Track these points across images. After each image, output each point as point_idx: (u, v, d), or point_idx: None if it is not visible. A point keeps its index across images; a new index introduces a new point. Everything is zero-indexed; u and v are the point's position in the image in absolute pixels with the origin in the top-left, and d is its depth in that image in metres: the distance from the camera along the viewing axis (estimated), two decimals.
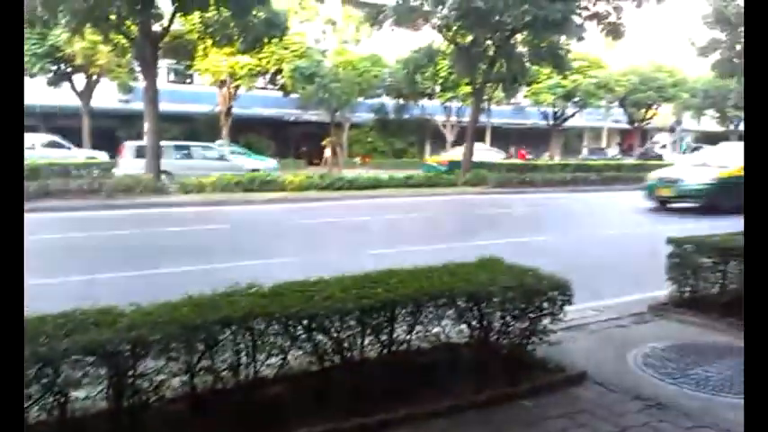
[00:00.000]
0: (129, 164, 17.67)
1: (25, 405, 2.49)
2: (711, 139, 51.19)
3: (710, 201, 13.25)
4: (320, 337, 3.24)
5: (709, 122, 46.87)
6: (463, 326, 3.86)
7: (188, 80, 34.40)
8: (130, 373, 2.68)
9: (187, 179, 16.81)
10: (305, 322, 3.09)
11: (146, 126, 16.86)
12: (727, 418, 3.27)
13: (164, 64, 29.31)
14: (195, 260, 7.81)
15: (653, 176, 15.08)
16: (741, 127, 43.91)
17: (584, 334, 4.71)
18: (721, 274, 5.23)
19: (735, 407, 3.40)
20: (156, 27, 16.62)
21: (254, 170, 19.79)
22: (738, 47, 30.71)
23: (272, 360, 3.14)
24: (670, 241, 5.37)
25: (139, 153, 17.69)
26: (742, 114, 39.11)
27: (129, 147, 18.85)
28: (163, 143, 17.65)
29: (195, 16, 18.11)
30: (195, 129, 31.55)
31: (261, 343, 3.01)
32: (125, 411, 2.74)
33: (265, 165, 22.95)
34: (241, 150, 26.30)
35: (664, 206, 14.44)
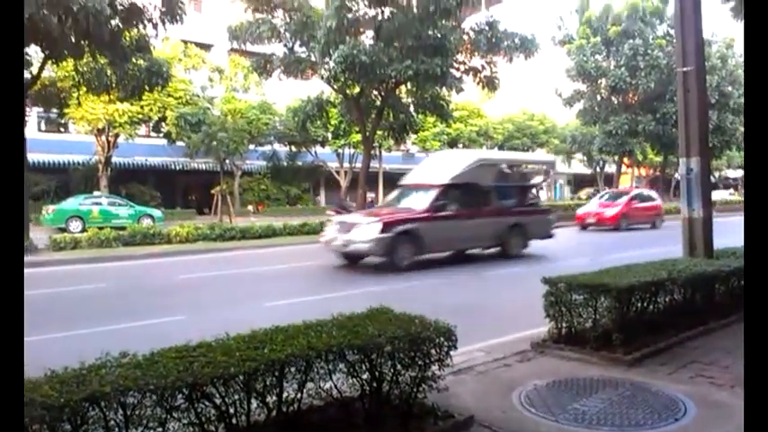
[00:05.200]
0: None
1: None
2: (580, 180, 56.17)
3: None
4: (202, 405, 3.08)
5: (578, 165, 51.41)
6: (354, 379, 3.84)
7: (62, 129, 32.30)
8: None
9: (59, 235, 15.57)
10: (185, 391, 2.92)
11: None
12: None
13: (34, 112, 27.40)
14: (67, 325, 7.18)
15: None
16: (607, 168, 48.57)
17: (472, 376, 4.85)
18: (593, 309, 5.64)
19: None
20: (25, 74, 15.54)
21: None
22: (599, 97, 34.40)
23: None
24: (545, 281, 5.73)
25: None
26: (606, 158, 43.38)
27: None
28: None
29: (68, 63, 17.05)
30: (71, 180, 29.54)
31: (135, 416, 2.79)
32: None
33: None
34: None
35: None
